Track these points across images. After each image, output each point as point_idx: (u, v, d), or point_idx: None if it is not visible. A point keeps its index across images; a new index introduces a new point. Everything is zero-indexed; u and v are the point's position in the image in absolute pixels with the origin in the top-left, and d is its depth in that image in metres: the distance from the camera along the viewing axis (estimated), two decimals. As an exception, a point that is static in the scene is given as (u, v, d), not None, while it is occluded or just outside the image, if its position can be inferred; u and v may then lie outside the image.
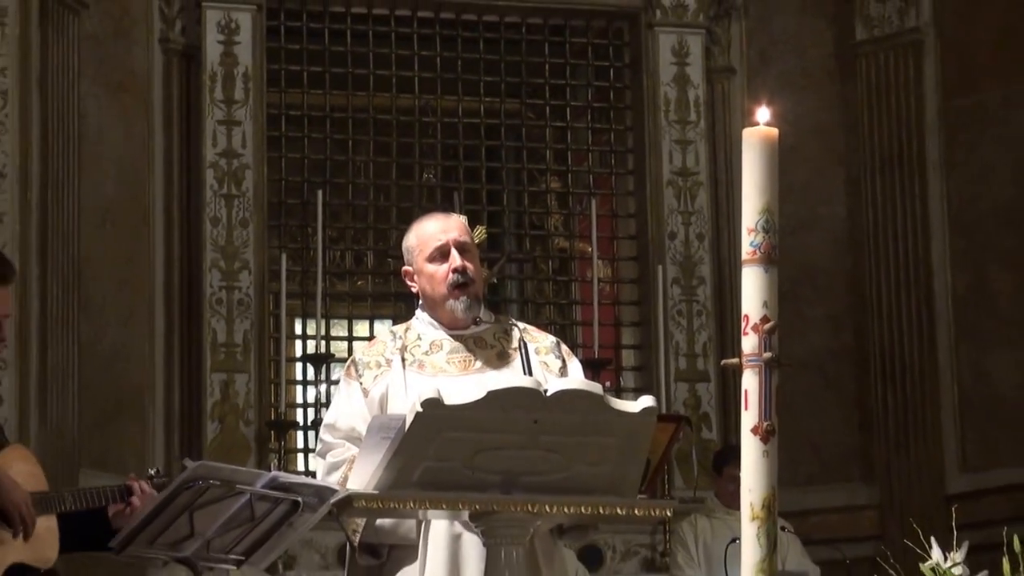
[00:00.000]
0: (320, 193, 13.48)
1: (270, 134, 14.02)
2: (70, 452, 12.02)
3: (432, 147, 14.66)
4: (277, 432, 13.23)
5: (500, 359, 6.49)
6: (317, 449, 6.69)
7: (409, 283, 6.71)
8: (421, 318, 6.63)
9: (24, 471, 6.21)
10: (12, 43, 12.30)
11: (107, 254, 13.15)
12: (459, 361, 6.49)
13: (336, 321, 13.91)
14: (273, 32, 14.18)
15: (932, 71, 14.04)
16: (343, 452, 6.43)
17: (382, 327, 12.29)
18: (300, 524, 6.15)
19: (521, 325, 6.73)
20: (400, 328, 6.69)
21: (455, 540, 6.28)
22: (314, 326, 13.50)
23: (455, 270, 6.47)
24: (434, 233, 6.57)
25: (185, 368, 13.46)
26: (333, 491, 6.04)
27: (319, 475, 6.59)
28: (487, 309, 6.77)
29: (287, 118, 14.30)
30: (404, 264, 6.73)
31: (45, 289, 12.28)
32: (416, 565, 6.33)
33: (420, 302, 6.70)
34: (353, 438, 6.37)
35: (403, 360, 6.49)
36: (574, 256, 14.90)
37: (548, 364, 6.51)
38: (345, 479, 6.28)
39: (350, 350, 12.97)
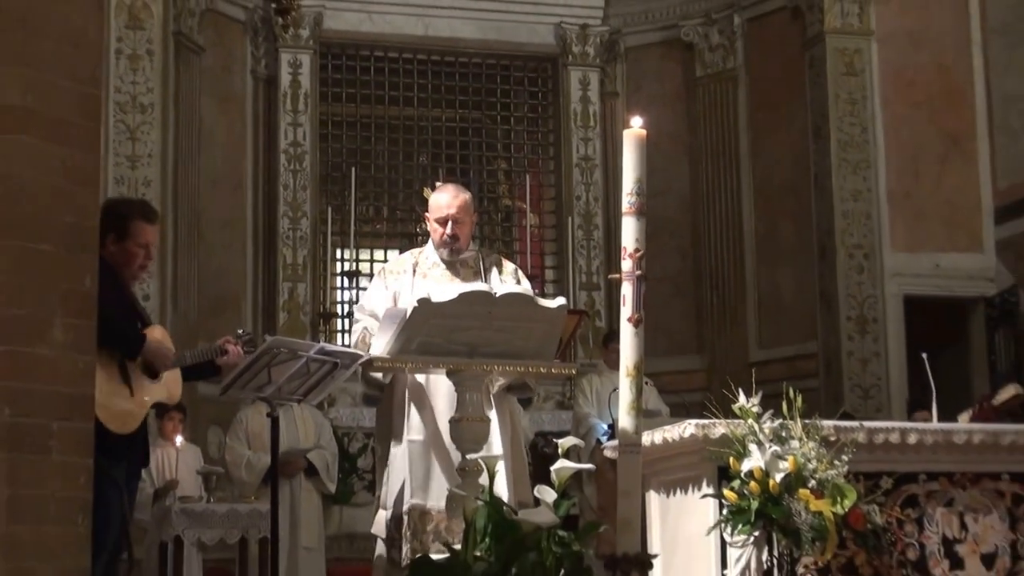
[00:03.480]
0: (353, 169, 13.48)
1: (321, 132, 13.95)
2: (191, 330, 11.97)
3: (425, 140, 14.57)
4: (324, 320, 13.22)
5: (474, 275, 6.46)
6: (353, 319, 6.66)
7: (426, 221, 6.67)
8: (429, 247, 6.58)
9: (160, 339, 6.15)
10: (157, 72, 12.22)
11: (216, 206, 13.10)
12: (448, 276, 6.44)
13: (363, 250, 13.84)
14: (324, 66, 14.07)
15: (743, 95, 14.01)
16: (363, 322, 6.40)
17: (393, 254, 12.25)
18: (338, 377, 6.12)
19: (495, 256, 6.72)
20: (416, 251, 6.65)
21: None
22: (348, 253, 13.48)
23: (448, 236, 6.44)
24: (442, 205, 6.48)
25: (265, 279, 13.41)
26: (359, 356, 6.02)
27: (353, 332, 6.57)
28: (475, 246, 6.77)
29: (332, 121, 14.21)
30: (427, 210, 6.71)
31: (176, 227, 12.27)
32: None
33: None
34: (373, 315, 6.34)
35: (413, 271, 6.44)
36: (515, 211, 14.84)
37: (506, 280, 6.45)
38: (361, 338, 6.30)
39: (371, 270, 12.89)
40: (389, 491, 6.26)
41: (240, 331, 6.31)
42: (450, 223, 6.44)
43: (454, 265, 6.50)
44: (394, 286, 6.46)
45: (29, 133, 3.94)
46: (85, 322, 4.06)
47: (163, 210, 11.62)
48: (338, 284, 13.67)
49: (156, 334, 6.03)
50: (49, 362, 3.94)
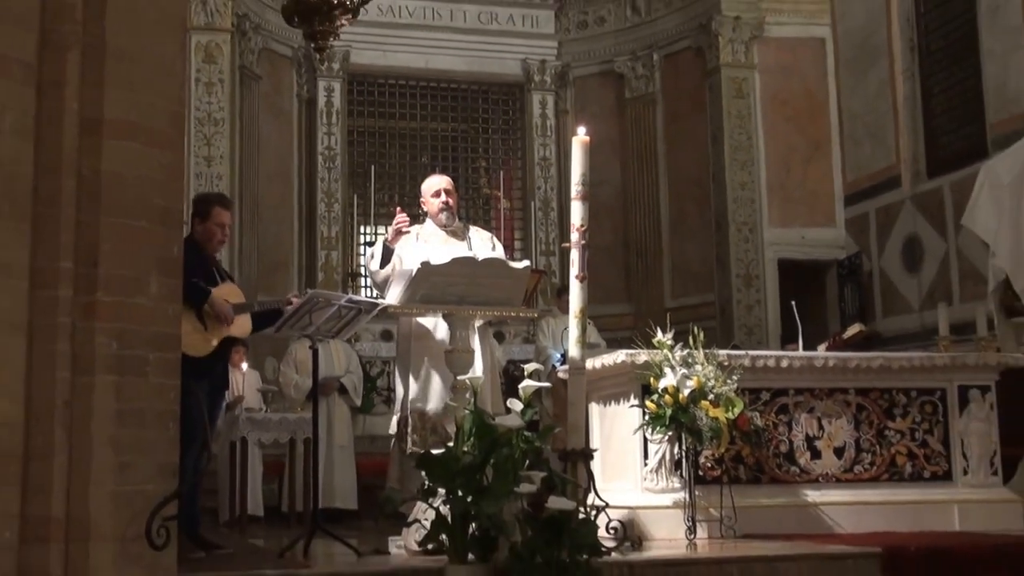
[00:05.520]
0: (372, 167, 13.37)
1: (349, 139, 13.85)
2: (253, 286, 11.89)
3: (426, 146, 14.48)
4: (351, 278, 13.18)
5: (461, 242, 6.43)
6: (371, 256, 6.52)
7: (423, 204, 6.57)
8: (428, 222, 6.54)
9: (234, 292, 6.12)
10: (227, 95, 12.19)
11: (271, 194, 13.05)
12: (443, 241, 6.38)
13: (380, 227, 13.77)
14: (351, 90, 13.96)
15: (660, 112, 14.00)
16: (375, 248, 6.37)
17: (402, 229, 12.30)
18: (362, 319, 6.06)
19: (476, 228, 6.66)
20: (417, 227, 6.57)
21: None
22: (369, 229, 13.42)
23: (443, 203, 6.39)
24: (435, 184, 6.46)
25: (307, 248, 13.38)
26: (377, 304, 5.99)
27: (367, 261, 6.49)
28: (460, 221, 6.67)
29: (357, 131, 14.12)
30: (421, 196, 6.59)
31: (242, 210, 12.22)
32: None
33: (427, 215, 6.63)
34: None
35: (416, 238, 6.37)
36: (492, 197, 14.80)
37: (485, 246, 6.41)
38: (371, 255, 6.30)
39: (387, 241, 12.90)
40: (399, 401, 6.28)
41: (298, 293, 6.30)
42: (443, 193, 6.43)
43: (448, 232, 6.48)
44: (400, 245, 6.46)
45: (132, 140, 3.94)
46: (173, 281, 4.05)
47: (231, 198, 11.58)
48: (361, 252, 13.64)
49: (223, 291, 5.99)
50: (146, 310, 3.93)
